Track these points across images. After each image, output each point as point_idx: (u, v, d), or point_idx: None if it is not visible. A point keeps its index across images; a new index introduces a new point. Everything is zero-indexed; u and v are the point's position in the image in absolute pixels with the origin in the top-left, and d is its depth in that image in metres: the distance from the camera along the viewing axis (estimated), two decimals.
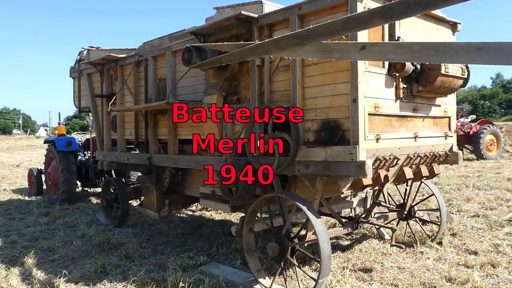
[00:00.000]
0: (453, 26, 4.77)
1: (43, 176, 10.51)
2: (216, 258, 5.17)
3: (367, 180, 3.89)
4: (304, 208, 3.73)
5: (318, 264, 4.72)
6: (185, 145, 5.85)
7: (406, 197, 5.33)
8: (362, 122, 3.56)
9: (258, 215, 4.45)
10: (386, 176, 4.06)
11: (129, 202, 7.34)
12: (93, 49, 7.43)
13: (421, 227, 5.61)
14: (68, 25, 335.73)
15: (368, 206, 5.98)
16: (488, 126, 16.46)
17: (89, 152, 10.12)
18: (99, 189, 10.54)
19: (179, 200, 6.23)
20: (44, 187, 10.46)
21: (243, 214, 5.57)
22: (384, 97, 3.88)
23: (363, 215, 5.03)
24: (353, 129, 3.58)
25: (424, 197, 6.53)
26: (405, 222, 5.62)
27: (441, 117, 4.71)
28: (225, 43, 2.98)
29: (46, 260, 5.33)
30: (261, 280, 4.16)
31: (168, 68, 5.61)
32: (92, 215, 7.92)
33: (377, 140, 3.76)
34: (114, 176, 9.54)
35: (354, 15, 1.65)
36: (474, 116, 19.19)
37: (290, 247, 3.92)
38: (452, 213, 6.84)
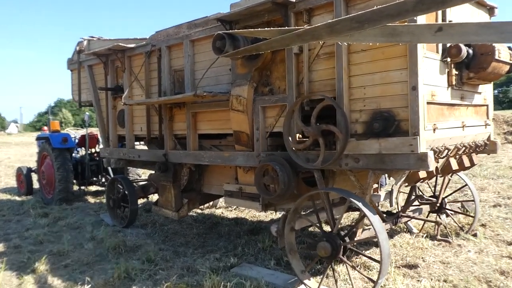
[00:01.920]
0: (490, 11, 4.61)
1: (33, 175, 9.97)
2: (245, 259, 4.88)
3: (423, 173, 3.69)
4: (360, 204, 3.49)
5: (358, 261, 4.53)
6: (203, 140, 5.52)
7: (440, 189, 5.17)
8: (422, 111, 3.34)
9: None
10: (437, 168, 3.88)
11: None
12: (94, 39, 6.96)
13: (453, 219, 5.47)
14: (40, 18, 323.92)
15: (394, 199, 5.82)
16: None
17: (83, 149, 9.64)
18: (95, 188, 10.10)
19: (197, 198, 5.90)
20: (35, 186, 9.93)
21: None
22: (439, 84, 3.67)
23: (401, 209, 4.84)
24: (412, 119, 3.34)
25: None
26: (435, 214, 5.47)
27: (481, 105, 4.55)
28: (266, 29, 2.66)
29: (59, 266, 4.93)
30: (306, 281, 3.91)
31: (186, 58, 5.25)
32: (95, 215, 7.50)
33: (433, 130, 3.55)
34: (111, 174, 9.12)
35: None
36: None
37: (342, 246, 3.68)
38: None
